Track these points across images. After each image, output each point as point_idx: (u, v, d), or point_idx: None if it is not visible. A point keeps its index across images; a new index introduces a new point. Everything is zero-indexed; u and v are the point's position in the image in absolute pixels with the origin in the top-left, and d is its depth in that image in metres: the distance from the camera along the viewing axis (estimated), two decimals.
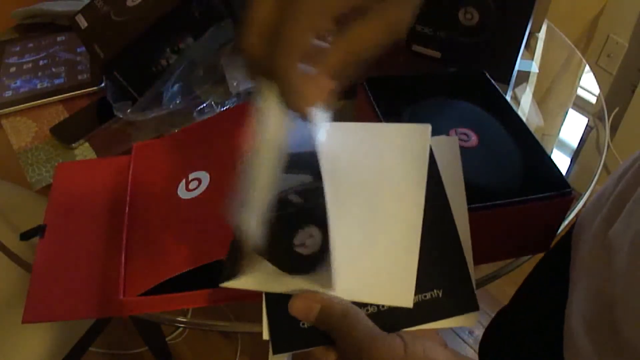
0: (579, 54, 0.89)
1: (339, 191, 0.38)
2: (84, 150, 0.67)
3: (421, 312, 0.34)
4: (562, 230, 0.56)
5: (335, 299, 0.34)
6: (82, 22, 0.72)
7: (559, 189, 0.48)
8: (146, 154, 0.62)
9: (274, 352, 0.34)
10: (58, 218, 0.57)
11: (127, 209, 0.55)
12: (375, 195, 0.38)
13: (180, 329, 1.30)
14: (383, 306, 0.35)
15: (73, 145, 0.67)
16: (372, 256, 0.36)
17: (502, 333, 0.70)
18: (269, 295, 0.35)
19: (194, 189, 0.53)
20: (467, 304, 0.35)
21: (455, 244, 0.37)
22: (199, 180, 0.54)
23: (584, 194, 0.64)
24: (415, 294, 0.35)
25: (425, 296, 0.35)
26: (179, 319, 0.51)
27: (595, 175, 0.66)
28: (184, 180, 0.55)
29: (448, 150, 0.40)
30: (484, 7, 0.70)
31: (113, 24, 0.69)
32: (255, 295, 0.49)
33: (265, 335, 0.34)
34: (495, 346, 0.70)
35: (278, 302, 0.35)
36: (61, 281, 0.51)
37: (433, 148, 0.39)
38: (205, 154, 0.57)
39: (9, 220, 0.62)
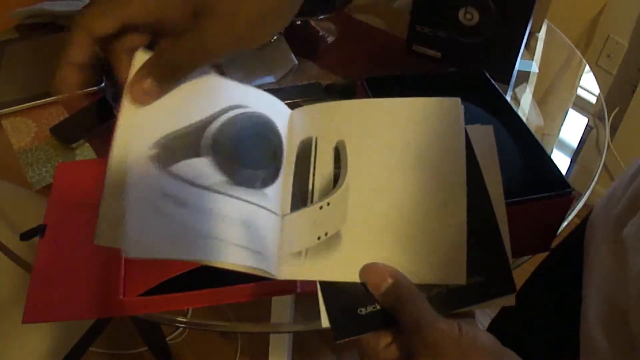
0: (579, 54, 0.89)
1: (377, 172, 0.39)
2: (84, 150, 0.67)
3: (466, 295, 0.36)
4: (563, 230, 0.57)
5: (404, 276, 0.35)
6: None
7: (559, 189, 0.48)
8: None
9: (336, 339, 0.35)
10: (58, 218, 0.57)
11: None
12: (418, 174, 0.39)
13: (180, 329, 1.30)
14: (432, 290, 0.36)
15: (73, 145, 0.67)
16: (422, 236, 0.37)
17: (505, 331, 0.70)
18: (323, 285, 0.36)
19: None
20: (507, 287, 0.36)
21: (495, 230, 0.37)
22: None
23: (584, 194, 0.64)
24: None
25: (469, 280, 0.36)
26: (179, 319, 0.51)
27: (595, 175, 0.66)
28: None
29: (484, 138, 0.41)
30: (484, 7, 0.70)
31: None
32: (253, 296, 0.49)
33: (325, 323, 0.35)
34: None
35: (333, 291, 0.36)
36: (61, 281, 0.51)
37: (469, 136, 0.40)
38: None
39: (9, 220, 0.62)
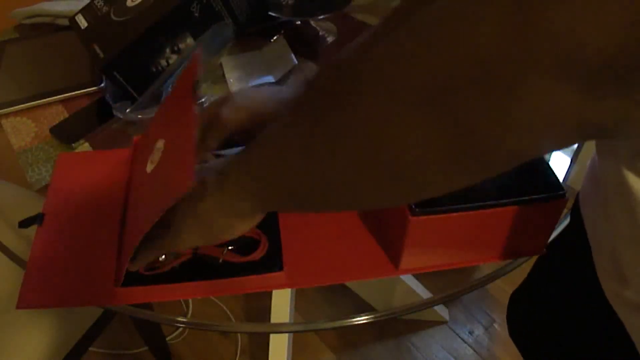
0: None
1: None
2: (83, 150, 0.67)
3: None
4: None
5: None
6: (82, 22, 0.72)
7: (553, 191, 0.48)
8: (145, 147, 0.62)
9: None
10: (57, 207, 0.57)
11: (124, 200, 0.55)
12: None
13: (180, 329, 1.30)
14: None
15: (73, 145, 0.67)
16: None
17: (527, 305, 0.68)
18: None
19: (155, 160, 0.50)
20: None
21: None
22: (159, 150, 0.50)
23: None
24: None
25: None
26: (179, 319, 0.51)
27: None
28: (150, 155, 0.51)
29: None
30: None
31: (113, 24, 0.69)
32: (247, 289, 0.49)
33: None
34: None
35: None
36: (57, 269, 0.51)
37: None
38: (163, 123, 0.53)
39: (9, 220, 0.62)
